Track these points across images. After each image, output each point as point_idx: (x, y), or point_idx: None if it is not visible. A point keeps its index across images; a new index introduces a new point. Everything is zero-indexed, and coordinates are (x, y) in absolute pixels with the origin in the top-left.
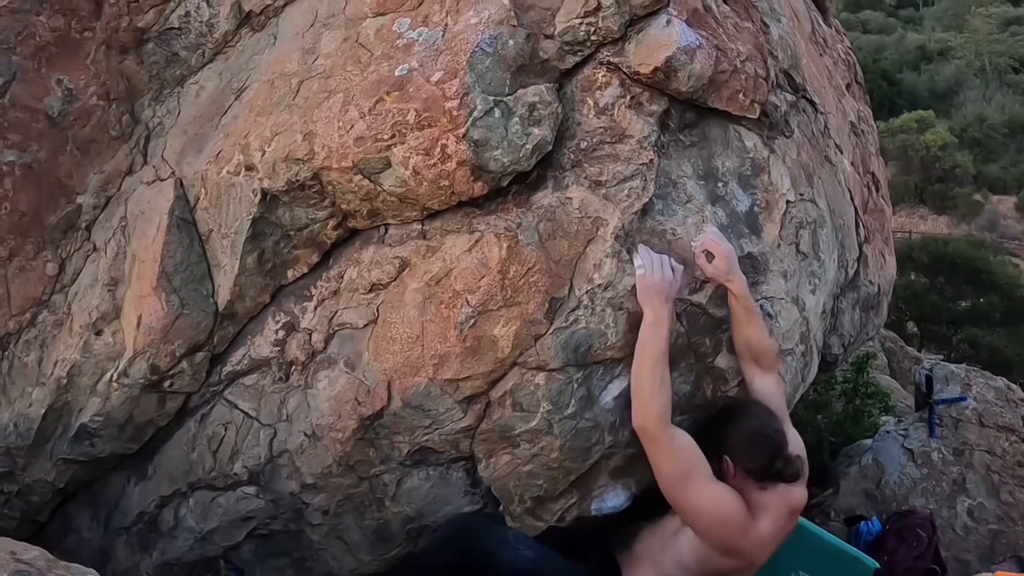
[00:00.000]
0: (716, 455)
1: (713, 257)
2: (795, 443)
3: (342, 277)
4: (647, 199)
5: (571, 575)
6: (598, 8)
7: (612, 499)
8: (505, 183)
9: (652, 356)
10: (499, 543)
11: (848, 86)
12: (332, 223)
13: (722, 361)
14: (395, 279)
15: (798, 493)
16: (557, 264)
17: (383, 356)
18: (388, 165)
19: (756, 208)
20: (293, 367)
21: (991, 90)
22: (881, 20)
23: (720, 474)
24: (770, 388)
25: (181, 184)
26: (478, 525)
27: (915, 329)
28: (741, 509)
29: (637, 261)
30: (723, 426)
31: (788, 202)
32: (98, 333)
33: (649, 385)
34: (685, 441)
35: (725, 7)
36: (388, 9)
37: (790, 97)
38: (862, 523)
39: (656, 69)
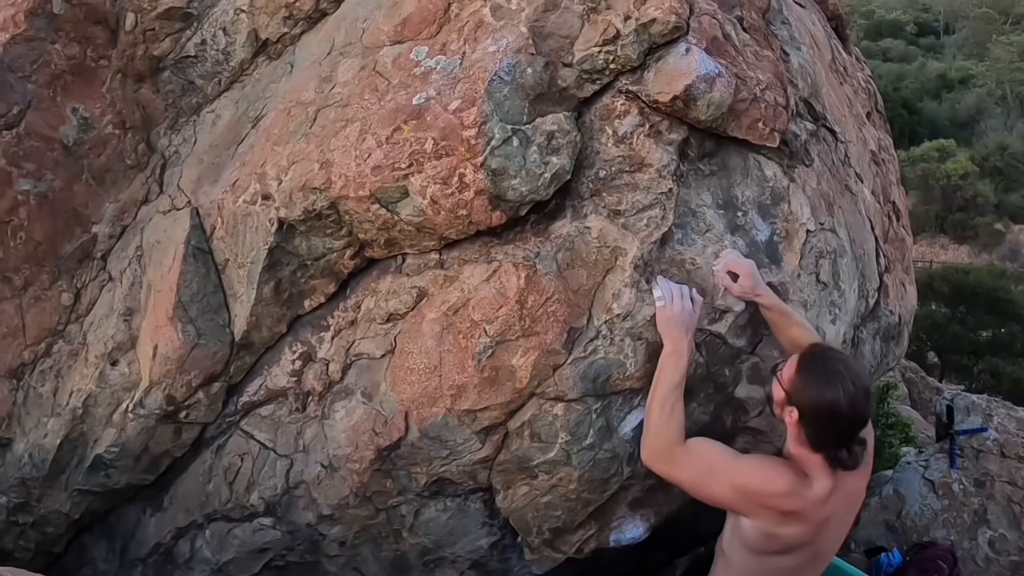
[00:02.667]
0: (788, 398)
1: (737, 277)
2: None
3: (359, 307)
4: (666, 228)
5: None
6: (617, 36)
7: (631, 530)
8: (523, 212)
9: (665, 387)
10: None
11: (868, 114)
12: (349, 252)
13: (742, 391)
14: (413, 309)
15: (852, 480)
16: (576, 294)
17: (400, 386)
18: (406, 194)
19: (776, 237)
20: (310, 397)
21: (1012, 118)
22: (902, 48)
23: (777, 408)
24: None
25: (197, 213)
26: None
27: (936, 359)
28: (781, 471)
29: (656, 292)
30: (812, 376)
31: (808, 231)
32: (114, 363)
33: (657, 417)
34: (695, 447)
35: (745, 35)
36: (406, 37)
37: (810, 126)
38: (883, 555)
39: (675, 98)
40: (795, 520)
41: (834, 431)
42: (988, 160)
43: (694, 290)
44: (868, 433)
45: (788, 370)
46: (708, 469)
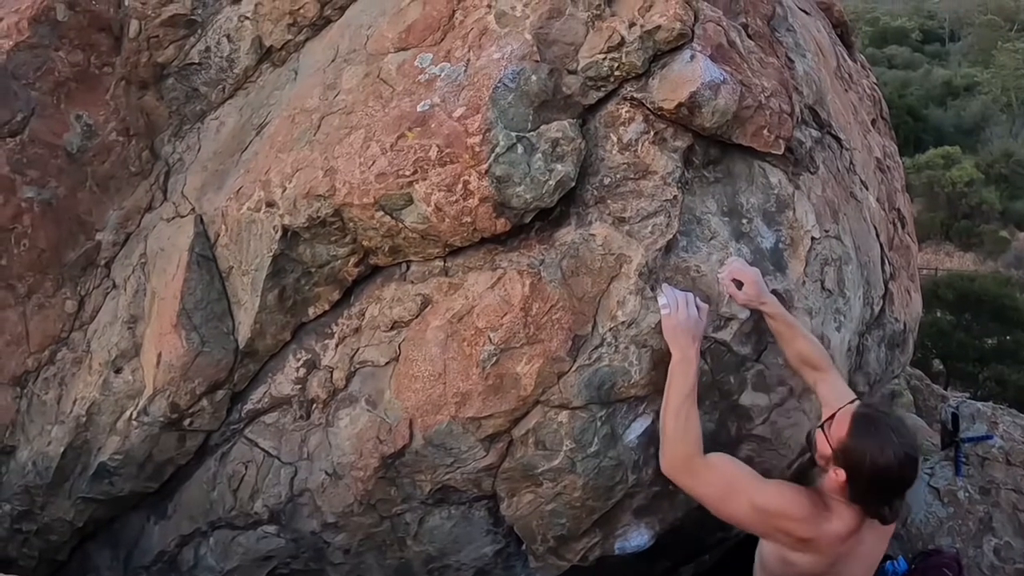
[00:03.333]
0: (833, 458)
1: (742, 284)
2: None
3: (364, 314)
4: (671, 236)
5: None
6: (622, 43)
7: (635, 538)
8: (528, 219)
9: (678, 396)
10: None
11: (874, 122)
12: (353, 260)
13: (747, 399)
14: (417, 316)
15: (883, 529)
16: (580, 301)
17: (405, 394)
18: (410, 201)
19: (781, 245)
20: (314, 405)
21: (1018, 126)
22: (907, 55)
23: (816, 475)
24: (835, 384)
25: (201, 220)
26: None
27: (941, 367)
28: (801, 499)
29: (662, 300)
30: (864, 441)
31: (813, 239)
32: (118, 371)
33: (673, 426)
34: (716, 461)
35: (750, 42)
36: (410, 44)
37: (815, 133)
38: (888, 562)
39: (680, 105)
40: (809, 548)
41: (880, 494)
42: (993, 167)
43: (699, 298)
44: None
45: (838, 429)
46: (729, 485)
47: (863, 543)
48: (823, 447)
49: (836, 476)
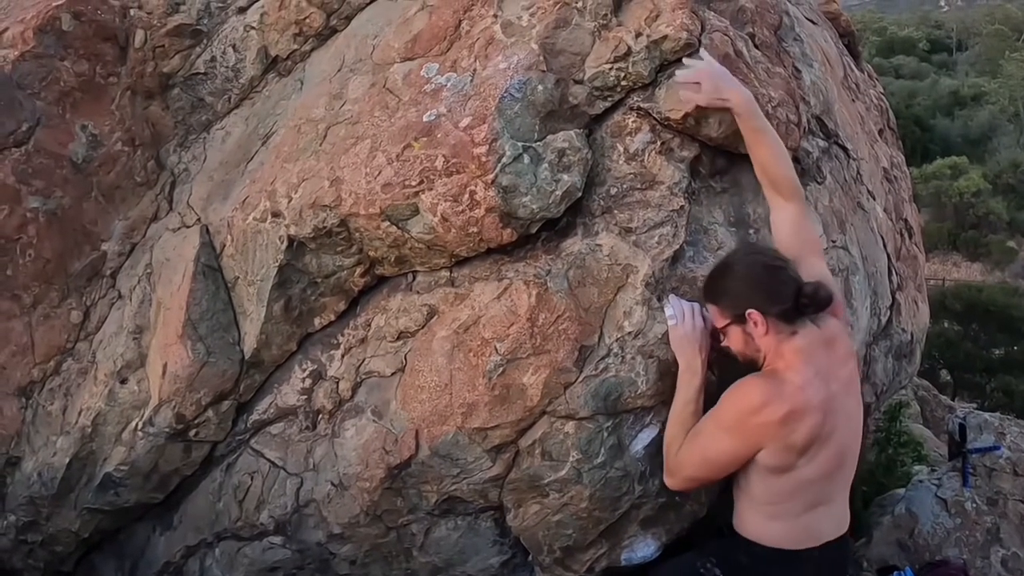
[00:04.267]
0: (739, 316)
1: (698, 85)
2: (823, 276)
3: (370, 325)
4: (678, 246)
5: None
6: (628, 53)
7: (642, 549)
8: (534, 230)
9: (677, 405)
10: None
11: (881, 132)
12: (359, 270)
13: None
14: (423, 327)
15: (832, 325)
16: (587, 312)
17: (411, 404)
18: (416, 212)
19: None
20: (320, 416)
21: None
22: (914, 65)
23: (749, 337)
24: (792, 219)
25: (207, 231)
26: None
27: (948, 377)
28: (748, 387)
29: (668, 311)
30: (728, 282)
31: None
32: (123, 381)
33: (677, 439)
34: (684, 446)
35: (756, 52)
36: (416, 54)
37: (822, 143)
38: (895, 573)
39: (687, 115)
40: (795, 419)
41: (787, 284)
42: (1001, 177)
43: (705, 308)
44: (827, 280)
45: (714, 313)
46: (702, 450)
47: (829, 383)
48: (734, 339)
49: (755, 324)
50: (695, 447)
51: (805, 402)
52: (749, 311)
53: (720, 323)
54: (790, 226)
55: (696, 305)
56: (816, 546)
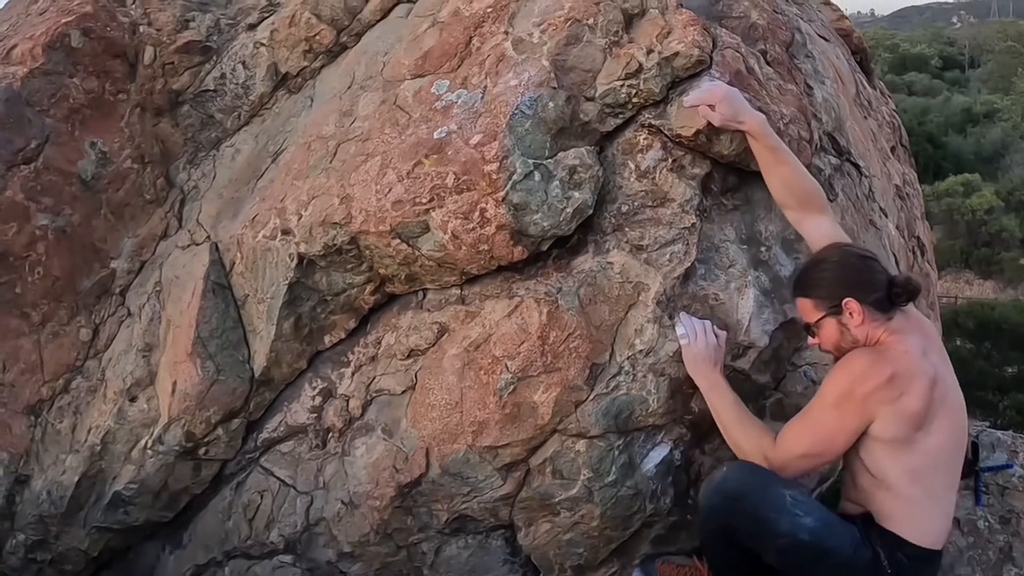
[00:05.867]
0: (835, 307)
1: (713, 107)
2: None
3: (380, 343)
4: (689, 264)
5: (840, 537)
6: (639, 70)
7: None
8: (545, 247)
9: (728, 413)
10: (777, 508)
11: (893, 149)
12: (370, 288)
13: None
14: (434, 345)
15: (916, 314)
16: (598, 330)
17: (421, 423)
18: (426, 229)
19: None
20: (330, 434)
21: None
22: (926, 82)
23: (844, 328)
24: (831, 224)
25: (216, 248)
26: (753, 487)
27: None
28: (852, 362)
29: (680, 330)
30: (824, 273)
31: None
32: (132, 399)
33: (741, 436)
34: (782, 438)
35: (768, 69)
36: (426, 71)
37: (834, 160)
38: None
39: (698, 132)
40: (902, 382)
41: (880, 273)
42: (1013, 195)
43: (717, 325)
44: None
45: (806, 305)
46: (811, 429)
47: (931, 352)
48: (827, 333)
49: (850, 313)
50: (803, 427)
51: (910, 365)
52: (846, 300)
53: (813, 317)
54: (832, 230)
55: (708, 322)
56: (940, 548)
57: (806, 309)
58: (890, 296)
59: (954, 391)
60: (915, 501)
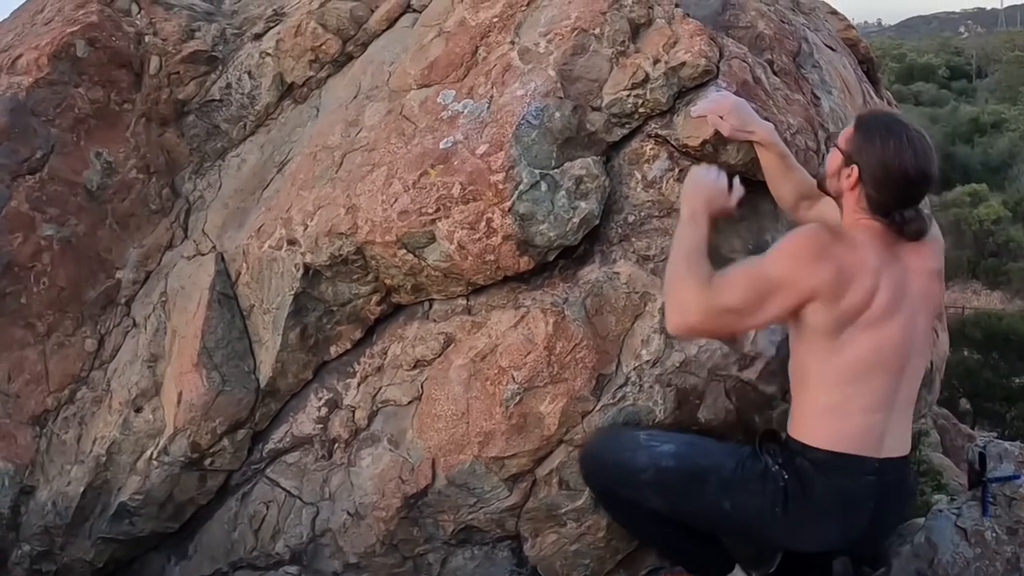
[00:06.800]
0: (848, 159)
1: (723, 117)
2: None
3: (386, 353)
4: None
5: (720, 456)
6: (646, 80)
7: None
8: (551, 258)
9: (685, 251)
10: (632, 448)
11: None
12: (376, 298)
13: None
14: (440, 355)
15: (917, 258)
16: (604, 340)
17: (427, 433)
18: (433, 239)
19: None
20: (336, 445)
21: None
22: (934, 92)
23: (839, 176)
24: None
25: (222, 259)
26: (606, 439)
27: (968, 406)
28: (811, 230)
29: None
30: (873, 128)
31: None
32: (138, 410)
33: (684, 278)
34: (723, 277)
35: (775, 79)
36: (432, 81)
37: None
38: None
39: (705, 142)
40: (849, 273)
41: (897, 186)
42: (1021, 205)
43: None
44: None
45: (846, 132)
46: (744, 281)
47: (904, 274)
48: (834, 158)
49: (849, 180)
50: (742, 280)
51: (862, 261)
52: (854, 165)
53: (841, 143)
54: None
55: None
56: (877, 457)
57: (843, 135)
58: (888, 212)
59: (915, 317)
60: (831, 410)
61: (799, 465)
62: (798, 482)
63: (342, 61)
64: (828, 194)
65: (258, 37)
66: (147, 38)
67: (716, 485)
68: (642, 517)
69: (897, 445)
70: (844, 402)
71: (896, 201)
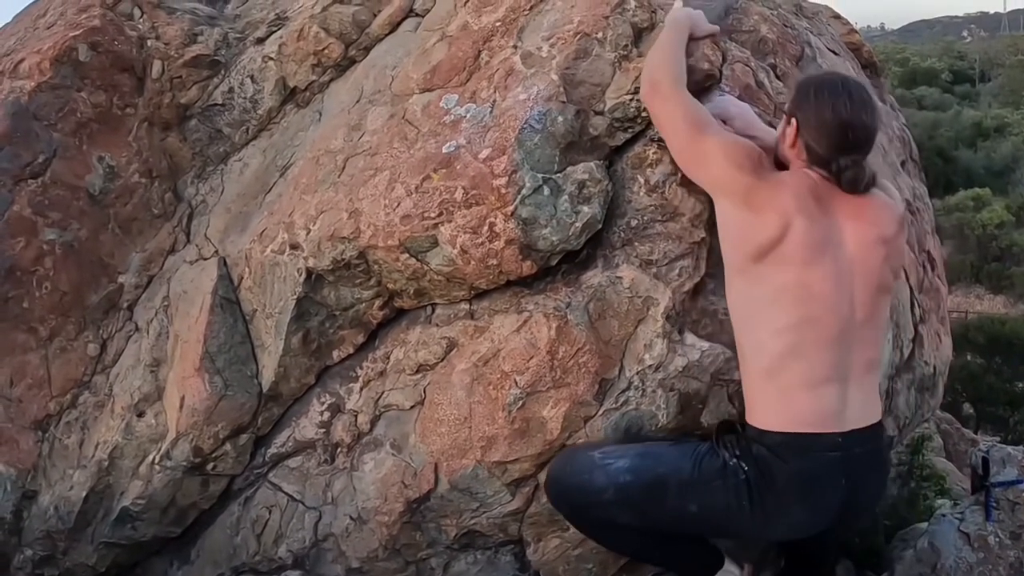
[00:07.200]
0: (787, 117)
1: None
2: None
3: (388, 358)
4: (699, 278)
5: (675, 460)
6: None
7: None
8: (554, 262)
9: (671, 48)
10: (588, 470)
11: (903, 163)
12: (378, 303)
13: None
14: (442, 360)
15: (851, 212)
16: (607, 345)
17: (430, 438)
18: (435, 244)
19: None
20: (339, 449)
21: None
22: (937, 96)
23: (784, 137)
24: None
25: (224, 263)
26: (562, 463)
27: (971, 411)
28: (752, 147)
29: None
30: (810, 88)
31: None
32: (140, 415)
33: (660, 56)
34: (699, 104)
35: (778, 83)
36: (435, 85)
37: None
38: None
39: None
40: (757, 207)
41: (831, 131)
42: None
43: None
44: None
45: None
46: (701, 125)
47: (831, 215)
48: (781, 126)
49: (789, 131)
50: (690, 114)
51: (778, 196)
52: (793, 119)
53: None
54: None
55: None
56: (838, 431)
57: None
58: (828, 163)
59: (853, 287)
60: (778, 389)
61: (756, 453)
62: (758, 471)
63: (345, 65)
64: (783, 164)
65: (260, 41)
66: (149, 42)
67: (677, 490)
68: (619, 532)
69: (862, 415)
70: (786, 377)
71: (834, 149)
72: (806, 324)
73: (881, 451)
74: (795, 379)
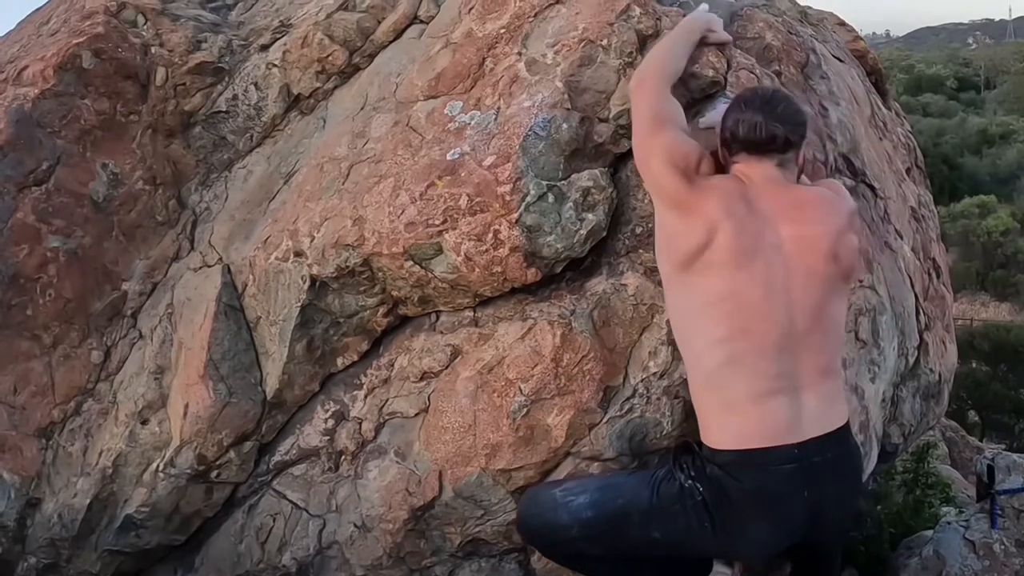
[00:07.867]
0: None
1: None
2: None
3: (393, 365)
4: None
5: (634, 489)
6: None
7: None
8: (558, 269)
9: (672, 48)
10: (552, 509)
11: (908, 170)
12: (382, 310)
13: None
14: (447, 367)
15: (758, 167)
16: (611, 352)
17: (434, 445)
18: (440, 251)
19: None
20: (343, 457)
21: None
22: (942, 103)
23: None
24: None
25: (228, 270)
26: (527, 504)
27: (977, 418)
28: (694, 150)
29: (708, 115)
30: (738, 99)
31: None
32: (144, 422)
33: (659, 52)
34: (674, 105)
35: (783, 90)
36: (440, 92)
37: (849, 182)
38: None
39: (714, 153)
40: (684, 209)
41: (733, 112)
42: None
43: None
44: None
45: None
46: (663, 120)
47: (758, 214)
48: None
49: (722, 138)
50: (668, 105)
51: (705, 202)
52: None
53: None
54: None
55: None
56: (794, 443)
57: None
58: (728, 135)
59: (791, 287)
60: (723, 404)
61: (711, 473)
62: (713, 492)
63: (349, 72)
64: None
65: (265, 48)
66: (153, 49)
67: (639, 519)
68: (598, 562)
69: (820, 423)
70: (729, 391)
71: (729, 122)
72: (740, 334)
73: (847, 456)
74: (738, 393)
